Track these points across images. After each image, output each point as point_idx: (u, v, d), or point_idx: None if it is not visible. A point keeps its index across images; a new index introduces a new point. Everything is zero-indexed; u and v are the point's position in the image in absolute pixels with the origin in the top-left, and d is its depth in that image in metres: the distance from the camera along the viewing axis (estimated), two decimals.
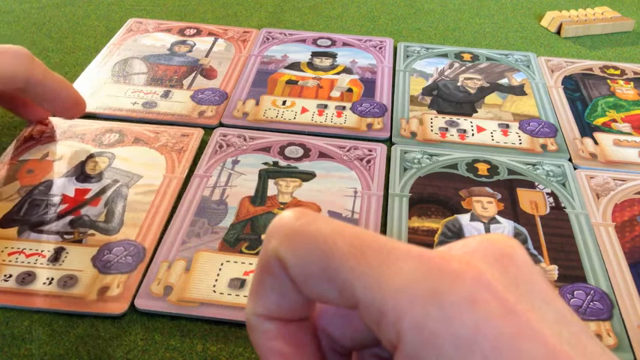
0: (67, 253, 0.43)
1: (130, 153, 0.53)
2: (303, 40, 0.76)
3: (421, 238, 0.48)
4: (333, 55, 0.73)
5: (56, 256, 0.43)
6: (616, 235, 0.49)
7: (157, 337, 0.40)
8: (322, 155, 0.56)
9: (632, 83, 0.71)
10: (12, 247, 0.43)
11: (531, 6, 0.90)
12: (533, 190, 0.54)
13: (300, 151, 0.57)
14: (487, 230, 0.49)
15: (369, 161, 0.56)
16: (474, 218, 0.51)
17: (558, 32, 0.82)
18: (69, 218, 0.46)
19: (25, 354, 0.38)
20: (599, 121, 0.64)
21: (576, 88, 0.69)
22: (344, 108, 0.64)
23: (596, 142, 0.60)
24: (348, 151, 0.57)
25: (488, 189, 0.54)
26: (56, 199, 0.47)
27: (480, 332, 0.16)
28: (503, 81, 0.70)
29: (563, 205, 0.52)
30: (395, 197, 0.52)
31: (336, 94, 0.66)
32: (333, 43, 0.76)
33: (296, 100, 0.65)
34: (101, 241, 0.44)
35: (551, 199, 0.53)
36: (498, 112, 0.65)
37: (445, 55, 0.74)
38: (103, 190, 0.48)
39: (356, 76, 0.69)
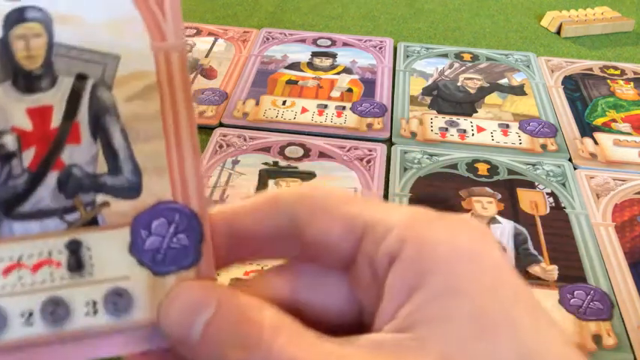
0: (89, 249, 0.27)
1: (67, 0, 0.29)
2: (303, 40, 0.76)
3: None
4: (333, 55, 0.73)
5: (77, 260, 0.27)
6: (616, 235, 0.49)
7: None
8: (322, 155, 0.56)
9: (632, 83, 0.71)
10: (1, 258, 0.26)
11: (531, 6, 0.90)
12: (533, 190, 0.54)
13: (300, 151, 0.57)
14: None
15: (369, 161, 0.56)
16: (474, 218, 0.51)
17: (558, 32, 0.82)
18: (53, 178, 0.27)
19: None
20: (599, 121, 0.64)
21: (576, 88, 0.69)
22: (344, 108, 0.64)
23: (596, 142, 0.60)
24: (348, 151, 0.57)
25: (488, 189, 0.54)
26: (9, 141, 0.27)
27: (472, 245, 0.19)
28: (503, 81, 0.70)
29: (563, 205, 0.52)
30: (395, 197, 0.52)
31: (336, 94, 0.66)
32: (333, 43, 0.76)
33: (296, 100, 0.65)
34: (127, 214, 0.27)
35: (551, 199, 0.53)
36: (498, 112, 0.65)
37: (445, 55, 0.74)
38: (72, 106, 0.28)
39: (356, 76, 0.70)
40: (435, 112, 0.64)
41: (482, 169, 0.56)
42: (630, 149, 0.60)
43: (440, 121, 0.63)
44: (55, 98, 0.27)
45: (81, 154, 0.26)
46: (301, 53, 0.73)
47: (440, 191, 0.53)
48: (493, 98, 0.67)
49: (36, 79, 0.26)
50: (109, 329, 0.25)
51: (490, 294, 0.19)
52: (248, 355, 0.19)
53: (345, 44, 0.76)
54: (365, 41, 0.77)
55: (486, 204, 0.52)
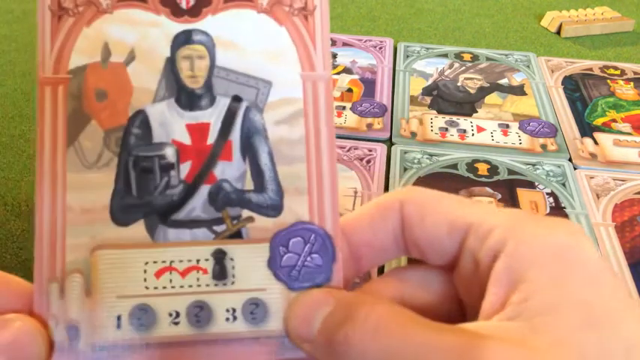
0: (232, 259, 0.28)
1: (230, 28, 0.30)
2: None
3: None
4: (333, 55, 0.73)
5: (221, 269, 0.28)
6: (616, 235, 0.49)
7: None
8: None
9: (632, 83, 0.71)
10: (155, 261, 0.27)
11: (531, 6, 0.90)
12: (533, 190, 0.54)
13: None
14: None
15: (369, 161, 0.56)
16: None
17: (558, 32, 0.82)
18: (204, 190, 0.29)
19: None
20: (599, 121, 0.64)
21: (576, 88, 0.69)
22: (344, 108, 0.64)
23: (596, 142, 0.60)
24: (348, 151, 0.57)
25: (488, 189, 0.54)
26: (169, 153, 0.29)
27: (569, 242, 0.21)
28: (503, 81, 0.70)
29: (563, 205, 0.52)
30: None
31: (336, 94, 0.66)
32: (333, 43, 0.76)
33: None
34: (267, 231, 0.29)
35: (551, 199, 0.53)
36: (498, 112, 0.65)
37: (445, 55, 0.74)
38: (227, 125, 0.29)
39: (356, 76, 0.70)
40: (435, 112, 0.64)
41: (482, 169, 0.56)
42: (630, 149, 0.60)
43: (440, 121, 0.63)
44: (213, 117, 0.29)
45: (231, 170, 0.28)
46: None
47: (440, 191, 0.53)
48: (493, 98, 0.67)
49: (197, 97, 0.28)
50: (246, 336, 0.26)
51: (590, 287, 0.20)
52: (351, 326, 0.21)
53: (345, 44, 0.76)
54: (365, 41, 0.77)
55: (486, 204, 0.52)
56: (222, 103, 0.29)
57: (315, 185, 0.29)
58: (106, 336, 0.25)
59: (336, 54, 0.73)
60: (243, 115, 0.29)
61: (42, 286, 0.25)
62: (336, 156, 0.30)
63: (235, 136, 0.28)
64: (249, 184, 0.28)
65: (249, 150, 0.29)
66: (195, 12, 0.29)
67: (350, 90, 0.67)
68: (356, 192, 0.52)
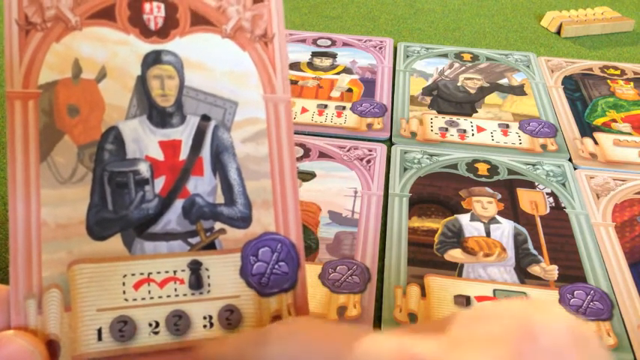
0: (207, 269, 0.30)
1: (198, 50, 0.32)
2: (303, 40, 0.76)
3: (421, 238, 0.48)
4: (333, 55, 0.73)
5: (197, 279, 0.30)
6: (616, 235, 0.49)
7: None
8: (322, 155, 0.56)
9: (632, 83, 0.71)
10: (133, 273, 0.29)
11: (531, 6, 0.90)
12: (533, 190, 0.54)
13: (300, 151, 0.57)
14: (487, 230, 0.49)
15: (369, 161, 0.56)
16: (474, 218, 0.51)
17: (558, 32, 0.82)
18: (179, 205, 0.31)
19: None
20: (599, 121, 0.64)
21: (576, 88, 0.69)
22: (344, 108, 0.64)
23: (596, 142, 0.60)
24: (348, 151, 0.57)
25: (488, 189, 0.54)
26: (143, 168, 0.31)
27: None
28: (503, 81, 0.70)
29: (563, 205, 0.52)
30: (395, 197, 0.52)
31: (336, 94, 0.66)
32: (333, 43, 0.76)
33: (296, 100, 0.65)
34: (238, 241, 0.31)
35: (551, 199, 0.53)
36: (498, 112, 0.65)
37: (445, 55, 0.74)
38: (198, 143, 0.31)
39: (356, 76, 0.70)
40: (435, 112, 0.64)
41: (482, 169, 0.56)
42: (630, 149, 0.60)
43: (440, 121, 0.63)
44: (184, 134, 0.30)
45: (203, 185, 0.30)
46: (301, 53, 0.73)
47: (440, 191, 0.53)
48: (493, 98, 0.67)
49: (168, 115, 0.30)
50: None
51: None
52: None
53: (345, 44, 0.76)
54: (365, 41, 0.77)
55: (486, 204, 0.52)
56: (192, 122, 0.30)
57: (279, 198, 0.31)
58: (88, 349, 0.26)
59: (336, 54, 0.73)
60: (212, 133, 0.31)
61: (19, 302, 0.25)
62: (296, 171, 0.32)
63: (206, 152, 0.30)
64: (219, 198, 0.30)
65: (218, 166, 0.30)
66: (163, 33, 0.30)
67: (350, 90, 0.67)
68: (356, 192, 0.52)
